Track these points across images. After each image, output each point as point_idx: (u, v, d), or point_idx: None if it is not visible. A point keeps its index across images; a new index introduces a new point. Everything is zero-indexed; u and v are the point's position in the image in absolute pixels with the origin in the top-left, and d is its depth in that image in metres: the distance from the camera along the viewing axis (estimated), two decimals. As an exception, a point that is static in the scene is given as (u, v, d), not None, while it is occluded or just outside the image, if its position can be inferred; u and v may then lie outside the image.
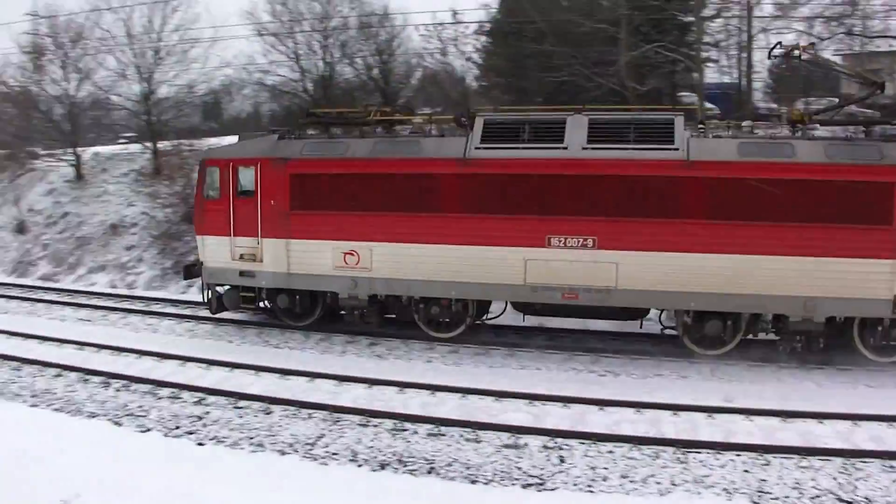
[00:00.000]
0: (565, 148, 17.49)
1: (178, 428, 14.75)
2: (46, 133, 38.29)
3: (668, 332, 18.24)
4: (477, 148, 18.00)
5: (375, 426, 14.22)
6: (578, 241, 17.30)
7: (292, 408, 15.15)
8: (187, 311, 22.97)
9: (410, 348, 19.06)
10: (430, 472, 12.52)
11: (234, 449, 13.75)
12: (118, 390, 16.74)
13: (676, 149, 16.91)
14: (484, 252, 17.91)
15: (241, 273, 20.08)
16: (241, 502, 11.99)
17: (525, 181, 17.67)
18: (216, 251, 20.30)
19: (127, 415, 15.46)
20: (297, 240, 19.35)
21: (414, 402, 15.34)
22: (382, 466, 12.77)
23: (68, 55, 37.68)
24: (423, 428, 14.07)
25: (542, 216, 17.48)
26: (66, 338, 20.39)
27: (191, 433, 14.51)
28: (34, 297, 26.62)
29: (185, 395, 16.24)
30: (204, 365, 17.92)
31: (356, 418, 14.54)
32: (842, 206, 15.93)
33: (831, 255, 16.08)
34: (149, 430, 14.77)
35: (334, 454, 13.26)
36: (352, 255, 18.99)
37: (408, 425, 14.19)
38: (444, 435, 13.79)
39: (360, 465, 12.84)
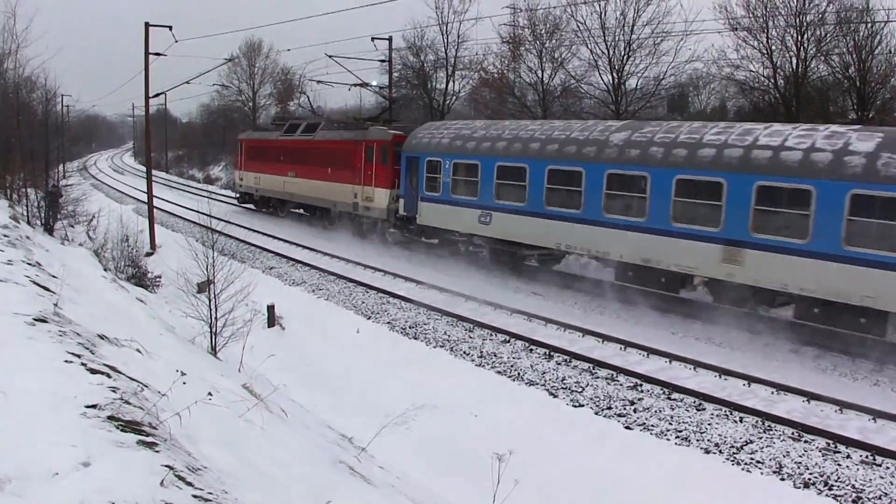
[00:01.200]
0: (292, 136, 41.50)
1: (609, 409, 15.05)
2: (519, 117, 41.14)
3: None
4: (280, 136, 42.60)
5: (807, 442, 13.30)
6: (293, 174, 40.39)
7: (725, 408, 14.71)
8: (641, 300, 23.06)
9: (857, 367, 17.36)
10: (855, 503, 11.46)
11: (660, 439, 13.74)
12: (559, 364, 17.50)
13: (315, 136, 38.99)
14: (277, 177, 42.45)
15: None
16: (659, 492, 11.88)
17: (285, 148, 41.76)
18: None
19: (563, 388, 16.13)
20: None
21: (852, 425, 14.00)
22: (806, 485, 12.01)
23: (544, 45, 40.02)
24: (858, 454, 12.84)
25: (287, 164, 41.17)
26: (517, 308, 21.78)
27: (621, 416, 14.73)
28: (490, 268, 28.24)
29: (622, 378, 16.50)
30: (644, 352, 17.99)
31: (788, 430, 13.72)
32: (338, 160, 35.19)
33: (339, 182, 35.15)
34: (581, 405, 15.29)
35: (759, 462, 12.69)
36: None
37: (841, 448, 13.05)
38: (879, 465, 12.48)
39: (782, 479, 12.21)
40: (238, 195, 49.61)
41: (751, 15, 33.83)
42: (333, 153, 35.86)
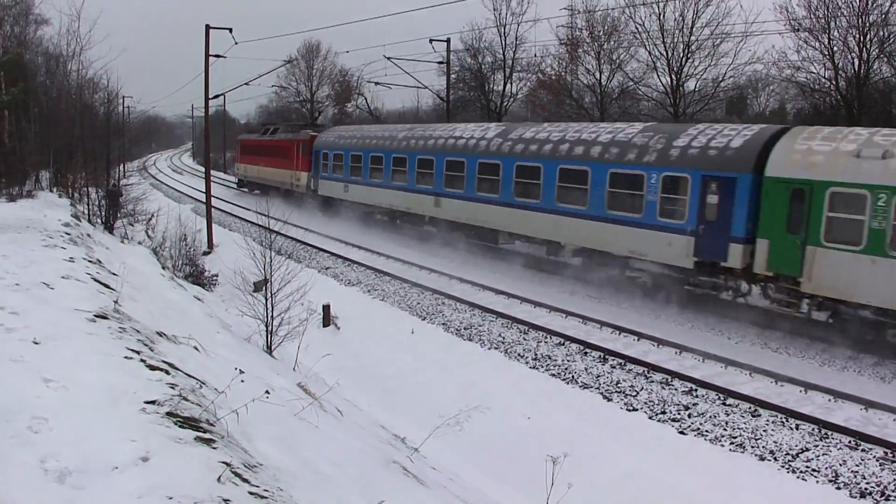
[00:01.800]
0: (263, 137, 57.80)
1: (663, 413, 14.87)
2: (576, 119, 40.91)
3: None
4: (258, 137, 58.71)
5: (864, 451, 12.97)
6: (263, 164, 56.32)
7: (781, 415, 14.41)
8: (695, 305, 22.77)
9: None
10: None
11: (714, 445, 13.55)
12: (613, 367, 17.34)
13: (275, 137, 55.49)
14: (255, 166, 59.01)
15: None
16: (713, 499, 11.73)
17: (260, 146, 57.48)
18: None
19: (617, 391, 15.99)
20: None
21: (913, 434, 13.58)
22: (863, 495, 11.75)
23: (602, 47, 39.73)
24: (921, 465, 12.48)
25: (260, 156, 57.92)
26: (572, 310, 21.54)
27: (675, 420, 14.56)
28: (548, 269, 28.16)
29: (677, 382, 16.29)
30: (699, 357, 17.74)
31: (845, 439, 13.39)
32: (284, 153, 50.49)
33: (284, 168, 50.59)
34: (635, 409, 15.14)
35: (814, 471, 12.44)
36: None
37: (901, 458, 12.69)
38: (940, 475, 12.06)
39: (838, 488, 11.98)
40: (237, 180, 67.48)
41: (812, 15, 33.15)
42: (282, 149, 51.26)
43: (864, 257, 16.88)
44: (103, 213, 30.69)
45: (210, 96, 38.99)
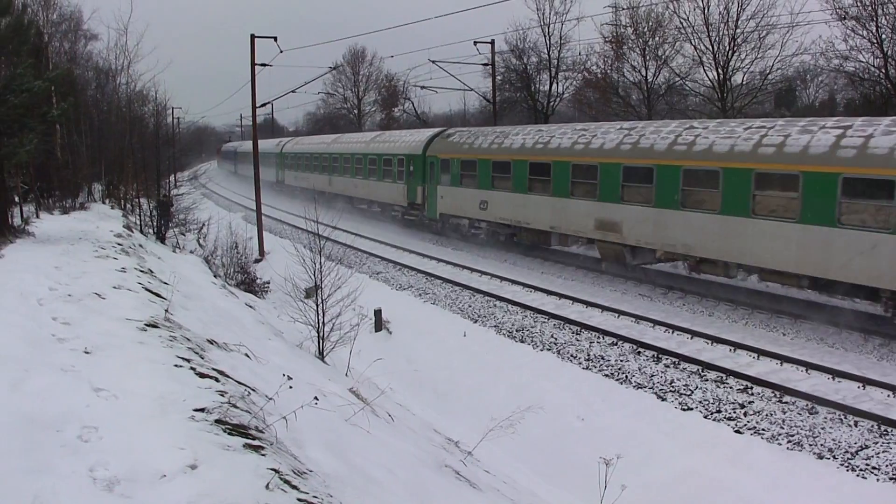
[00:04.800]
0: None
1: (719, 412, 14.60)
2: (624, 117, 40.59)
3: None
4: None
5: (929, 447, 12.50)
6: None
7: (839, 412, 14.03)
8: (744, 299, 22.38)
9: None
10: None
11: (771, 443, 13.24)
12: (667, 366, 17.07)
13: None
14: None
15: None
16: (770, 498, 11.47)
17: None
18: None
19: (672, 391, 15.72)
20: None
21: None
22: None
23: (647, 43, 39.27)
24: None
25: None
26: (625, 310, 21.29)
27: (730, 419, 14.27)
28: (599, 269, 27.86)
29: (731, 381, 15.98)
30: (754, 354, 17.39)
31: (907, 435, 12.93)
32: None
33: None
34: (690, 409, 14.88)
35: (874, 468, 12.09)
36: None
37: (967, 454, 12.27)
38: None
39: None
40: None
41: (859, 3, 32.34)
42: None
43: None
44: (155, 224, 31.12)
45: (257, 105, 39.34)
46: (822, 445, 12.92)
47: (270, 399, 7.07)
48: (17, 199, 23.48)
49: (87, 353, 7.51)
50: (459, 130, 37.68)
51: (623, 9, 43.14)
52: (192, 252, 28.57)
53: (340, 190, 49.62)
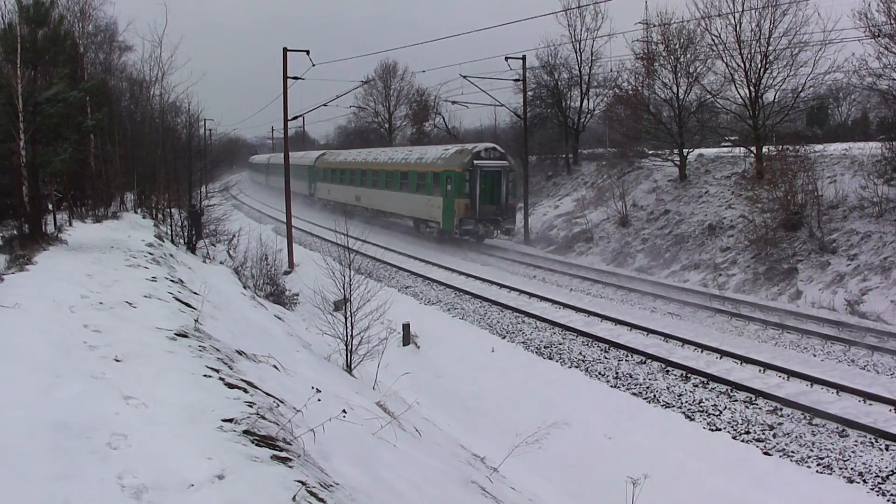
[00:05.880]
0: None
1: (747, 433, 14.46)
2: (654, 134, 40.48)
3: None
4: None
5: (962, 473, 12.27)
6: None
7: (870, 435, 13.85)
8: (775, 319, 22.19)
9: None
10: None
11: (800, 466, 13.10)
12: (696, 386, 16.96)
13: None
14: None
15: None
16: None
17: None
18: None
19: (700, 411, 15.60)
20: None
21: None
22: None
23: (679, 60, 39.07)
24: None
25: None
26: (654, 328, 21.17)
27: (759, 441, 14.13)
28: (629, 286, 28.20)
29: (761, 401, 15.86)
30: (783, 375, 17.23)
31: (941, 460, 12.72)
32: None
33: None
34: (718, 429, 14.75)
35: (908, 494, 11.76)
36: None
37: None
38: None
39: None
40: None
41: (892, 21, 31.93)
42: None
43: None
44: (186, 234, 31.35)
45: (289, 118, 39.60)
46: (852, 469, 12.76)
47: (298, 411, 7.06)
48: (50, 207, 23.71)
49: (118, 360, 7.55)
50: (331, 151, 71.96)
51: (654, 25, 43.05)
52: (222, 263, 28.74)
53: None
